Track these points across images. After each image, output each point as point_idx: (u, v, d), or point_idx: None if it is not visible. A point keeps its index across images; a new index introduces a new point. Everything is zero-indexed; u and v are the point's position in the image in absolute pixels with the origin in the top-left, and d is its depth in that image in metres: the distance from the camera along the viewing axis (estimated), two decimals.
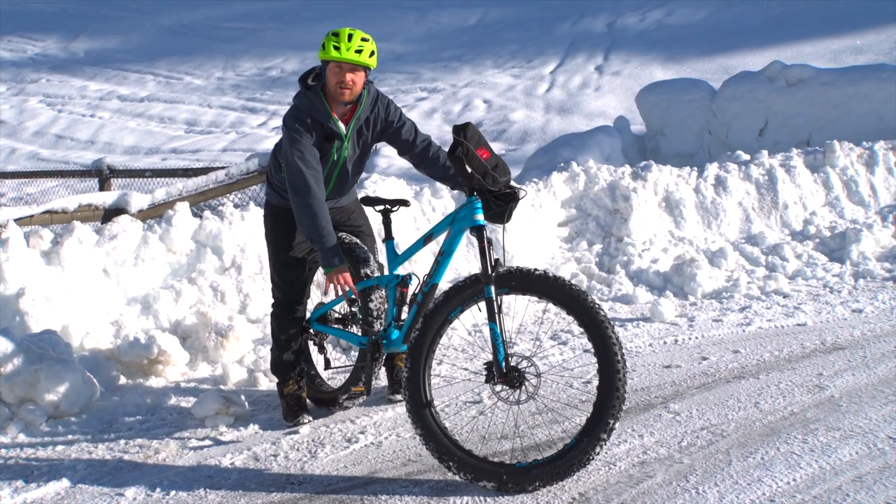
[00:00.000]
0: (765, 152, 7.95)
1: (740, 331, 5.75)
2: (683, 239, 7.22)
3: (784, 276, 6.69)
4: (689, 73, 18.16)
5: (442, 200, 6.88)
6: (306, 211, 4.10)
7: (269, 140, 17.73)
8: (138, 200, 7.11)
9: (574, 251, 7.12)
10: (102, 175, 10.58)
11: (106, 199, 7.29)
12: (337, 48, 4.05)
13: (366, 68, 4.15)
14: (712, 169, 7.68)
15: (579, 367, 5.17)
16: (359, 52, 4.06)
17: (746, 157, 8.03)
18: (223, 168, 8.68)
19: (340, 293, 4.15)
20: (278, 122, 19.40)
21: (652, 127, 10.53)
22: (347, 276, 4.11)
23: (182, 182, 8.01)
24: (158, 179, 10.48)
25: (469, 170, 3.82)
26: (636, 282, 6.68)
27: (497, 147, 15.50)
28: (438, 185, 7.00)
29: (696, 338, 5.66)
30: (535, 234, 6.98)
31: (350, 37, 4.06)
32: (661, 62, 20.48)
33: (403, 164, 14.61)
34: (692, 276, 6.52)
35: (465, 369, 5.24)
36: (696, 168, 7.72)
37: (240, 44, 25.56)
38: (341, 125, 4.25)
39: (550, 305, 3.90)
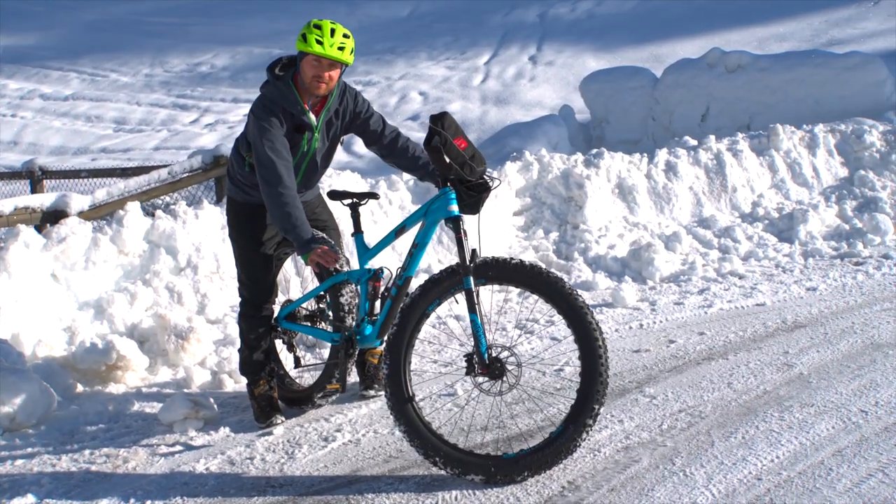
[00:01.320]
0: (712, 137, 8.07)
1: (702, 313, 5.81)
2: (638, 224, 7.27)
3: (738, 257, 6.79)
4: (621, 61, 18.37)
5: (398, 193, 6.80)
6: (279, 202, 3.97)
7: (203, 137, 17.36)
8: (78, 202, 6.84)
9: (531, 239, 7.12)
10: (34, 176, 10.20)
11: (43, 201, 7.00)
12: (320, 42, 3.93)
13: (343, 65, 4.05)
14: (662, 155, 7.76)
15: (550, 354, 5.15)
16: (341, 48, 3.96)
17: (694, 142, 8.14)
18: (165, 166, 8.45)
19: (329, 267, 4.08)
20: (211, 118, 19.01)
21: (596, 115, 10.61)
22: (325, 248, 4.01)
23: (123, 182, 7.75)
24: (95, 180, 10.14)
25: (447, 160, 3.75)
26: (595, 268, 6.71)
27: None
28: (394, 177, 6.92)
29: (661, 321, 5.70)
30: (491, 223, 6.94)
31: (333, 32, 3.95)
32: (593, 52, 20.68)
33: (343, 157, 14.45)
34: (650, 260, 6.57)
35: (435, 361, 5.18)
36: (646, 154, 7.78)
37: (166, 39, 24.96)
38: (312, 116, 4.14)
39: (514, 294, 3.87)
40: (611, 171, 7.50)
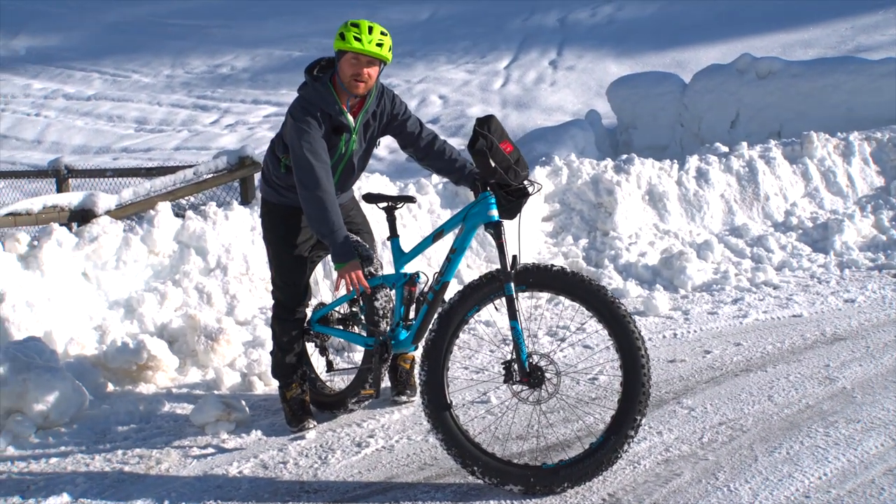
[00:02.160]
0: (744, 144, 7.97)
1: (737, 323, 5.72)
2: (669, 232, 7.19)
3: (771, 267, 6.69)
4: (643, 67, 18.31)
5: (427, 196, 6.74)
6: (316, 205, 3.91)
7: (223, 138, 17.36)
8: (105, 201, 6.82)
9: (560, 246, 7.04)
10: (60, 175, 10.20)
11: (71, 199, 6.98)
12: (358, 39, 3.89)
13: (382, 62, 4.00)
14: (693, 161, 7.67)
15: (585, 363, 5.08)
16: (379, 45, 3.92)
17: (725, 149, 8.05)
18: (190, 167, 8.42)
19: (353, 289, 3.96)
20: (231, 119, 19.03)
21: (623, 120, 10.52)
22: (360, 273, 3.93)
23: (149, 182, 7.73)
24: (120, 179, 10.14)
25: (493, 164, 3.69)
26: (625, 276, 6.63)
27: (456, 142, 15.38)
28: (423, 180, 6.87)
29: (695, 331, 5.61)
30: (522, 229, 6.87)
31: (371, 29, 3.91)
32: (614, 57, 20.58)
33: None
34: (682, 269, 6.48)
35: (465, 368, 5.12)
36: (676, 160, 7.70)
37: (187, 41, 25.02)
38: (350, 117, 4.09)
39: (544, 301, 3.79)
40: (641, 178, 7.42)
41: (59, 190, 10.14)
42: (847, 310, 5.84)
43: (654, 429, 4.16)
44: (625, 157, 7.66)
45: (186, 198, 8.94)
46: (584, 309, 3.71)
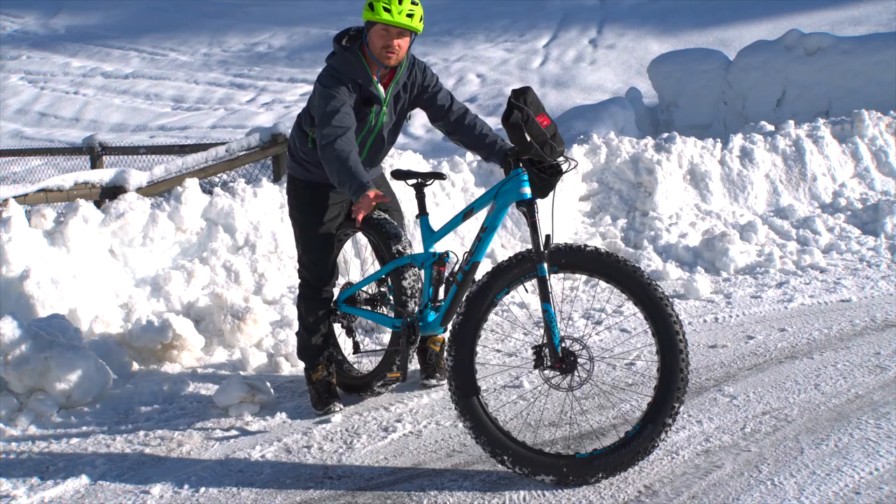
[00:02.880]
0: (791, 122, 7.67)
1: (782, 308, 5.49)
2: (710, 213, 6.94)
3: (818, 249, 6.43)
4: (685, 45, 17.89)
5: (461, 174, 6.57)
6: (339, 160, 3.65)
7: (259, 116, 17.32)
8: (136, 178, 6.76)
9: (598, 226, 6.84)
10: (94, 152, 10.19)
11: (103, 176, 6.93)
12: (388, 10, 3.73)
13: (413, 33, 3.84)
14: (737, 140, 7.40)
15: (621, 347, 4.89)
16: (410, 15, 3.76)
17: (771, 127, 7.76)
18: (222, 144, 8.34)
19: (359, 214, 3.55)
20: (267, 97, 18.98)
21: (665, 98, 10.23)
22: (370, 194, 3.53)
23: (181, 159, 7.67)
24: (153, 157, 10.10)
25: (528, 138, 3.51)
26: (665, 257, 6.41)
27: (493, 122, 15.18)
28: (457, 158, 6.70)
29: (737, 315, 5.39)
30: (557, 207, 6.68)
31: None
32: (655, 35, 20.17)
33: (398, 139, 14.25)
34: (724, 250, 6.25)
35: (498, 351, 4.96)
36: (720, 139, 7.43)
37: (225, 19, 25.00)
38: (381, 88, 3.93)
39: (581, 282, 3.61)
40: (682, 157, 7.18)
41: (94, 167, 10.14)
42: None
43: (693, 417, 3.97)
44: (665, 135, 7.42)
45: (219, 175, 8.90)
46: (618, 291, 3.53)
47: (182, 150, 9.75)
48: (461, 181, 6.51)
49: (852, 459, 3.47)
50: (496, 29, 22.24)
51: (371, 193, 3.52)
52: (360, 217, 3.55)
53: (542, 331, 3.55)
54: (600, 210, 7.01)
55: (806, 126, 7.68)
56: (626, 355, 4.76)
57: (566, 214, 6.80)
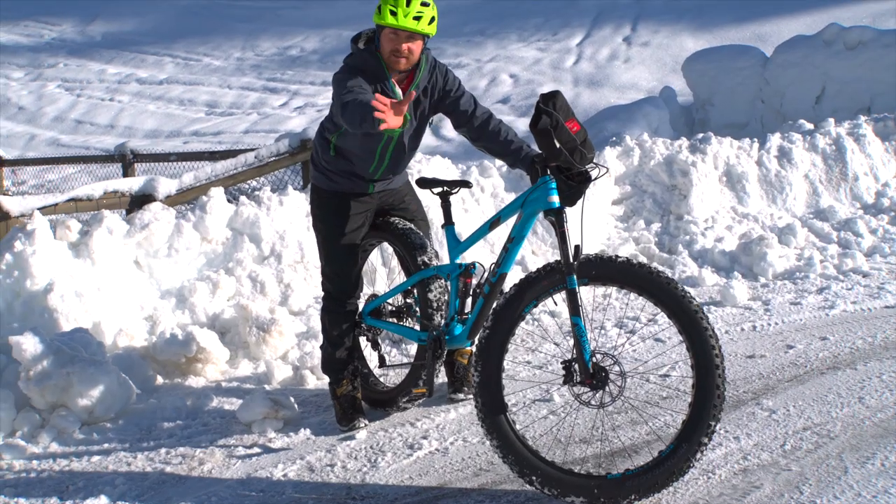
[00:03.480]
0: (831, 121, 7.44)
1: (823, 315, 5.29)
2: (748, 216, 6.74)
3: (861, 253, 6.21)
4: (721, 41, 17.58)
5: (491, 180, 6.44)
6: (357, 101, 3.43)
7: (292, 121, 17.32)
8: (166, 186, 6.72)
9: (631, 231, 6.67)
10: (126, 160, 10.21)
11: (132, 184, 6.91)
12: (394, 13, 3.61)
13: (424, 36, 3.72)
14: (775, 140, 7.18)
15: (654, 359, 4.74)
16: (417, 18, 3.63)
17: (810, 126, 7.53)
18: (252, 150, 8.30)
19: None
20: (300, 101, 18.98)
21: (700, 97, 10.00)
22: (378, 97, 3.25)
23: (210, 166, 7.64)
24: (184, 163, 10.10)
25: (557, 145, 3.38)
26: (701, 262, 6.23)
27: (526, 123, 15.03)
28: (486, 162, 6.57)
29: (776, 323, 5.21)
30: (587, 213, 6.53)
31: (408, 1, 3.62)
32: (691, 32, 19.85)
33: (431, 142, 14.16)
34: (762, 255, 6.05)
35: (528, 363, 4.83)
36: (756, 139, 7.22)
37: (258, 23, 25.10)
38: (399, 91, 3.82)
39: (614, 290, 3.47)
40: (718, 158, 6.98)
41: (125, 174, 10.16)
42: None
43: (730, 433, 3.81)
44: (700, 136, 7.22)
45: (248, 182, 8.87)
46: (651, 304, 3.39)
47: (212, 156, 9.72)
48: (491, 186, 6.39)
49: None
50: (529, 28, 22.06)
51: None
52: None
53: (572, 341, 3.42)
54: (634, 214, 6.85)
55: (847, 124, 7.44)
56: (659, 367, 4.60)
57: (598, 219, 6.64)
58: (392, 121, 3.23)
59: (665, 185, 6.91)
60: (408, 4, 3.62)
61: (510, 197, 6.50)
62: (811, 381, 4.34)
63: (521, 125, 13.04)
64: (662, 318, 5.19)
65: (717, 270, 6.14)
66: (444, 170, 6.36)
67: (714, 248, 6.29)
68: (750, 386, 4.33)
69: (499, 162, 6.66)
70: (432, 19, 3.70)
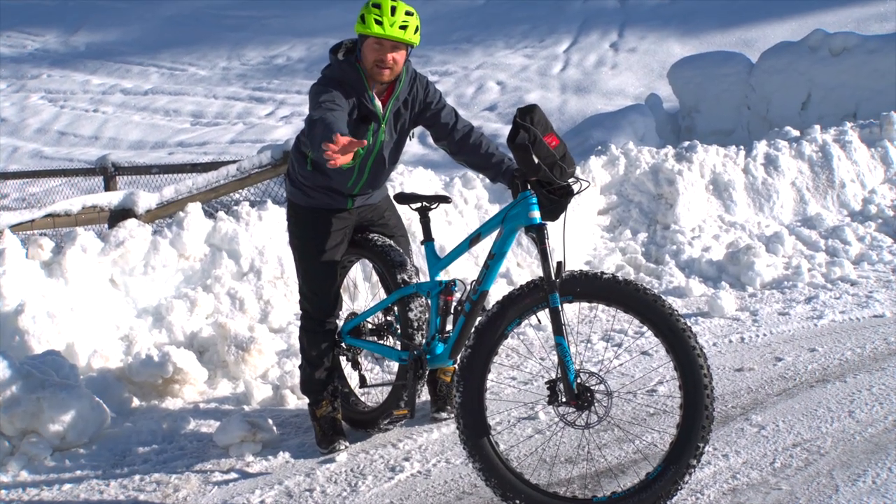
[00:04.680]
0: (817, 127, 7.38)
1: (812, 325, 5.22)
2: (735, 224, 6.67)
3: (848, 261, 6.14)
4: (708, 47, 17.60)
5: (474, 191, 6.35)
6: (323, 120, 3.32)
7: (278, 130, 17.21)
8: (146, 200, 6.62)
9: (617, 241, 6.59)
10: (107, 173, 10.09)
11: (111, 199, 6.80)
12: (379, 22, 3.53)
13: (409, 46, 3.64)
14: (761, 147, 7.12)
15: (641, 375, 4.65)
16: (403, 27, 3.55)
17: (796, 132, 7.47)
18: (234, 162, 8.19)
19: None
20: (287, 111, 18.87)
21: (686, 104, 9.95)
22: (337, 139, 3.10)
23: (191, 178, 7.53)
24: (166, 176, 9.98)
25: (535, 160, 3.30)
26: (688, 273, 6.15)
27: None
28: (469, 174, 6.48)
29: (764, 335, 5.13)
30: (573, 223, 6.44)
31: (393, 10, 3.54)
32: (677, 37, 19.87)
33: (417, 150, 14.07)
34: (749, 264, 5.98)
35: (513, 379, 4.74)
36: (742, 146, 7.16)
37: (244, 32, 24.98)
38: (378, 104, 3.73)
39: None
40: (704, 166, 6.91)
41: (107, 188, 10.03)
42: None
43: (719, 451, 3.73)
44: (686, 144, 7.15)
45: (231, 195, 8.76)
46: (638, 321, 3.31)
47: (195, 168, 9.61)
48: (474, 198, 6.30)
49: (892, 497, 3.22)
50: (516, 35, 22.03)
51: (337, 138, 3.09)
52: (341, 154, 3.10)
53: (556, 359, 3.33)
54: (620, 224, 6.77)
55: (833, 130, 7.39)
56: (646, 381, 4.51)
57: (584, 229, 6.56)
58: (340, 160, 3.11)
59: (651, 194, 6.84)
60: (393, 14, 3.54)
61: (494, 209, 6.41)
62: (800, 394, 4.26)
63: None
64: (649, 332, 5.11)
65: (705, 280, 6.07)
66: (427, 181, 6.27)
67: (701, 257, 6.21)
68: (738, 401, 4.25)
69: (468, 169, 6.58)
70: (416, 29, 3.61)
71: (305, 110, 15.13)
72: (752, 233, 6.58)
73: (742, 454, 3.68)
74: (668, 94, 12.46)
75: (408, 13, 3.58)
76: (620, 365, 4.74)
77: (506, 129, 14.37)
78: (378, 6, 3.55)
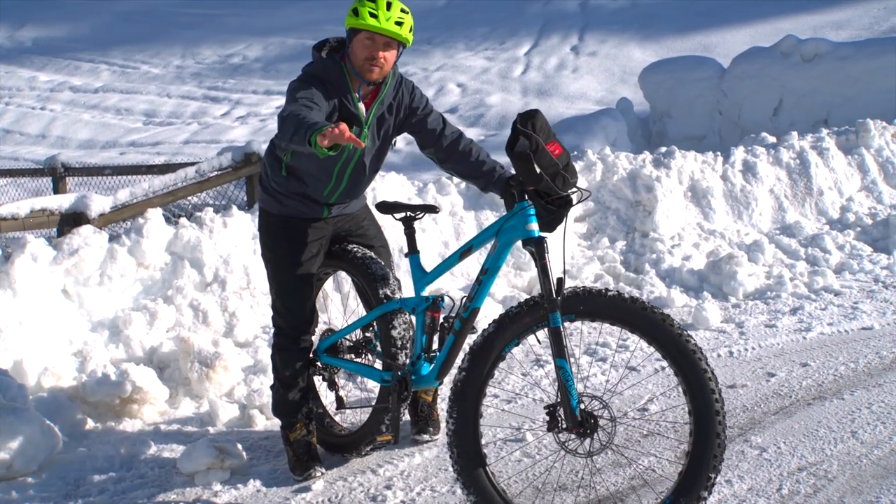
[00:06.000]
0: (794, 134, 7.27)
1: (800, 338, 5.06)
2: (714, 232, 6.51)
3: (830, 270, 6.01)
4: (668, 52, 17.64)
5: (449, 197, 6.10)
6: (296, 114, 3.06)
7: (234, 131, 16.78)
8: (99, 203, 6.22)
9: (595, 249, 6.38)
10: (56, 174, 9.63)
11: (62, 202, 6.39)
12: (374, 15, 3.27)
13: (401, 45, 3.38)
14: (739, 153, 6.98)
15: (628, 388, 4.43)
16: (399, 23, 3.31)
17: (773, 139, 7.35)
18: (192, 164, 7.83)
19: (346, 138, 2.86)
20: (242, 111, 18.42)
21: (657, 108, 9.81)
22: (342, 126, 2.85)
23: (147, 181, 7.14)
24: (120, 177, 9.56)
25: (538, 170, 3.06)
26: (669, 282, 5.97)
27: (475, 133, 14.73)
28: (444, 179, 6.24)
29: (753, 348, 4.96)
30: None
31: (389, 5, 3.30)
32: (638, 41, 19.88)
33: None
34: (732, 274, 5.82)
35: (495, 397, 4.48)
36: (720, 153, 7.01)
37: (198, 30, 24.44)
38: (362, 107, 3.46)
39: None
40: (682, 172, 6.75)
41: (56, 190, 9.58)
42: None
43: (721, 476, 3.50)
44: (664, 149, 6.98)
45: (189, 198, 8.38)
46: (645, 343, 3.08)
47: (150, 170, 9.20)
48: (449, 204, 6.04)
49: None
50: (476, 37, 21.87)
51: (342, 125, 2.85)
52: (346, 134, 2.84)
53: (544, 370, 3.09)
54: (597, 231, 6.57)
55: (809, 137, 7.28)
56: (635, 398, 4.30)
57: (559, 237, 6.33)
58: (342, 136, 2.82)
59: (629, 200, 6.65)
60: (388, 8, 3.30)
61: (469, 216, 6.17)
62: (798, 413, 4.08)
63: (471, 135, 12.75)
64: (632, 343, 4.90)
65: (686, 290, 5.89)
66: (400, 187, 6.00)
67: (682, 266, 6.03)
68: (735, 420, 4.05)
69: (457, 178, 6.32)
70: (411, 28, 3.37)
71: (262, 111, 14.67)
72: (731, 241, 6.43)
73: (746, 480, 3.48)
74: (634, 98, 12.35)
75: (403, 10, 3.34)
76: (606, 381, 4.52)
77: (468, 133, 14.16)
78: (373, 0, 3.29)
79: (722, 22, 20.02)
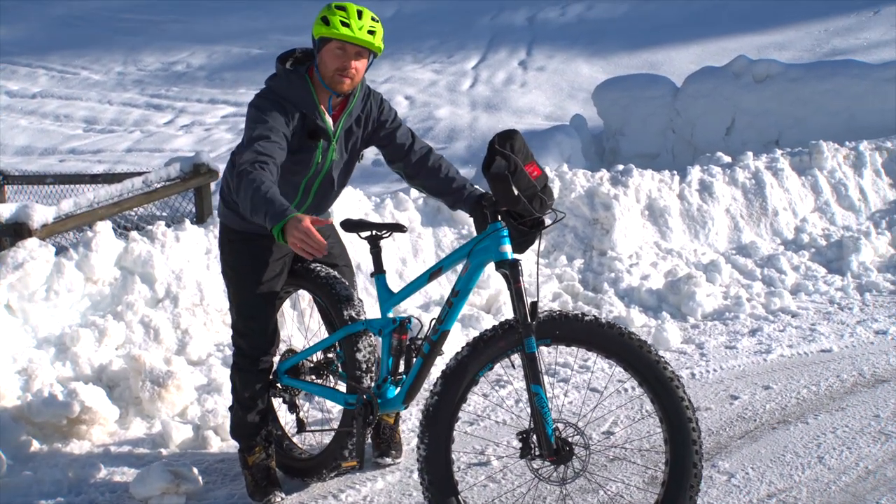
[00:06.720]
0: (749, 154, 7.34)
1: (761, 360, 5.07)
2: (671, 251, 6.52)
3: (786, 291, 6.06)
4: (615, 68, 17.81)
5: (406, 213, 6.00)
6: (252, 180, 2.98)
7: (178, 140, 16.42)
8: (41, 213, 5.95)
9: (553, 267, 6.34)
10: None
11: (1, 211, 6.13)
12: (346, 24, 3.17)
13: (372, 55, 3.28)
14: (695, 173, 7.02)
15: (594, 413, 4.38)
16: (371, 32, 3.20)
17: (728, 159, 7.41)
18: (137, 174, 7.60)
19: (314, 249, 2.84)
20: (187, 119, 18.06)
21: (610, 126, 9.85)
22: (307, 224, 2.82)
23: (92, 191, 6.90)
24: (62, 186, 9.23)
25: (516, 192, 2.99)
26: (627, 302, 5.95)
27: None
28: (402, 195, 6.14)
29: (714, 370, 4.95)
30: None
31: (360, 13, 3.20)
32: (585, 57, 20.03)
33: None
34: (691, 294, 5.82)
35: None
36: (677, 172, 7.04)
37: (140, 36, 23.94)
38: (329, 120, 3.35)
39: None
40: (640, 191, 6.75)
41: None
42: (881, 343, 5.22)
43: None
44: (621, 167, 6.99)
45: (136, 209, 8.13)
46: (621, 369, 3.02)
47: (94, 179, 8.90)
48: (406, 221, 5.95)
49: None
50: (424, 49, 21.82)
51: (307, 219, 2.82)
52: (317, 253, 2.82)
53: (507, 390, 3.02)
54: (555, 249, 6.53)
55: (764, 157, 7.36)
56: (599, 421, 4.25)
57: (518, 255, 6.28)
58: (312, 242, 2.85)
59: (587, 218, 6.62)
60: (360, 17, 3.19)
61: (427, 232, 6.08)
62: (764, 437, 4.07)
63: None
64: (598, 365, 4.86)
65: (645, 310, 5.87)
66: (357, 202, 5.88)
67: (641, 286, 6.02)
68: None
69: (415, 194, 6.24)
70: (382, 37, 3.27)
71: (207, 119, 14.35)
72: (689, 261, 6.45)
73: None
74: (583, 113, 12.40)
75: (374, 19, 3.24)
76: (569, 403, 4.46)
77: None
78: (343, 8, 3.20)
79: (669, 40, 20.29)
